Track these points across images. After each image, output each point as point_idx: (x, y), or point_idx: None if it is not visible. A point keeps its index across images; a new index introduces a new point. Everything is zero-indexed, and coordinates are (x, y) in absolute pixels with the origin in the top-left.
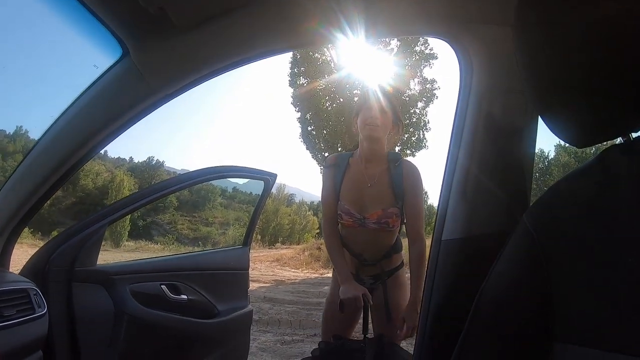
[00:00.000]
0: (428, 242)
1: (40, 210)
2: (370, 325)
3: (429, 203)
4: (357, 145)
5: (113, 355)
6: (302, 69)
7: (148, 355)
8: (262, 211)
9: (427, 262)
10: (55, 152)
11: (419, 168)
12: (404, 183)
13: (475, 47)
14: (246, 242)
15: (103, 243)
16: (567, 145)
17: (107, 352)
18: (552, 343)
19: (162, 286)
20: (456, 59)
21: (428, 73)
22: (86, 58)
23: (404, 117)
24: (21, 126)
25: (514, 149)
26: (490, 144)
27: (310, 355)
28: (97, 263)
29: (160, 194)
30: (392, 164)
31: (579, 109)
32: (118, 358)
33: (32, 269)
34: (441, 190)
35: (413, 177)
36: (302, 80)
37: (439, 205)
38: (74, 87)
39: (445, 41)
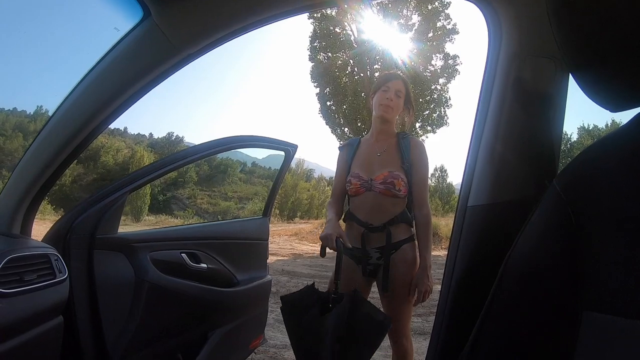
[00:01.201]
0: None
1: (61, 178)
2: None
3: (448, 181)
4: None
5: (133, 321)
6: (323, 43)
7: (168, 322)
8: (282, 182)
9: (432, 227)
10: (75, 117)
11: (440, 145)
12: (411, 153)
13: (505, 10)
14: (266, 213)
15: (123, 218)
16: (590, 128)
17: (128, 318)
18: (581, 311)
19: (182, 254)
20: (485, 22)
21: (450, 48)
22: (107, 21)
23: (425, 93)
24: (41, 106)
25: (542, 114)
26: (519, 109)
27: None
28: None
29: (181, 162)
30: (400, 138)
31: (614, 70)
32: (138, 324)
33: (54, 237)
34: (467, 156)
35: (419, 149)
36: (322, 55)
37: (464, 170)
38: (95, 52)
39: (474, 3)
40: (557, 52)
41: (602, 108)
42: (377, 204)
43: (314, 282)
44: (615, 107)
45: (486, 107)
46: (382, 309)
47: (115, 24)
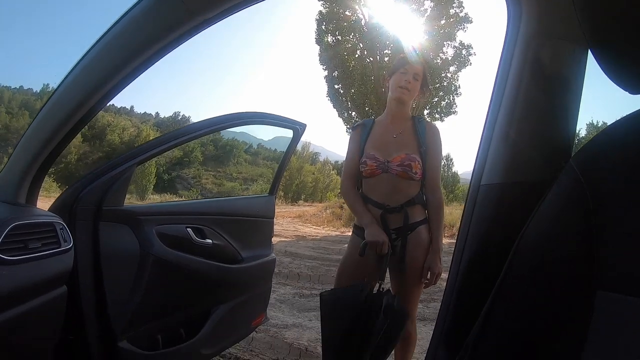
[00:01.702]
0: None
1: (67, 155)
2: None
3: (453, 170)
4: (384, 105)
5: (137, 294)
6: (330, 26)
7: (171, 296)
8: (289, 161)
9: (443, 211)
10: (85, 84)
11: (448, 134)
12: (427, 137)
13: None
14: (272, 191)
15: (128, 196)
16: (599, 125)
17: (131, 291)
18: (595, 290)
19: (187, 229)
20: (505, 1)
21: (462, 37)
22: None
23: (434, 81)
24: (48, 84)
25: (560, 96)
26: (536, 90)
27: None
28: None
29: (188, 137)
30: (416, 121)
31: (636, 47)
32: (142, 298)
33: (60, 207)
34: (482, 133)
35: (435, 133)
36: (330, 38)
37: (479, 149)
38: (108, 17)
39: None
40: (578, 34)
41: (612, 103)
42: (393, 185)
43: (365, 280)
44: (635, 88)
45: (503, 86)
46: (390, 289)
47: None
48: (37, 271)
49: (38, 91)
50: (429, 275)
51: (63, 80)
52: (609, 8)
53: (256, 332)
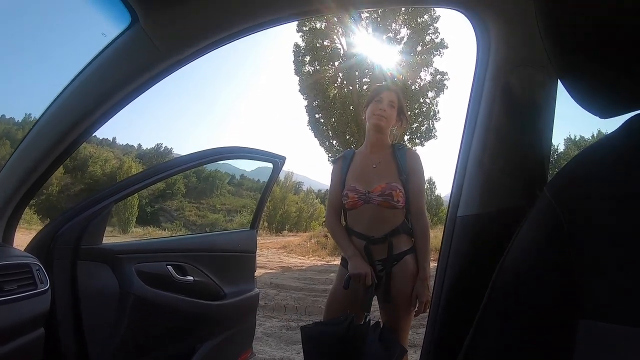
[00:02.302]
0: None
1: (48, 187)
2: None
3: (436, 193)
4: (364, 132)
5: (117, 335)
6: (307, 57)
7: (153, 335)
8: (270, 194)
9: (430, 238)
10: (61, 122)
11: (429, 158)
12: (407, 164)
13: (494, 20)
14: (254, 225)
15: (110, 229)
16: (577, 139)
17: (112, 332)
18: (577, 320)
19: (168, 267)
20: (473, 32)
21: (438, 62)
22: (94, 27)
23: (413, 106)
24: (30, 114)
25: (531, 123)
26: (508, 118)
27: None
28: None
29: (168, 172)
30: (396, 149)
31: (603, 76)
32: (122, 338)
33: (37, 246)
34: (457, 166)
35: (415, 159)
36: (309, 68)
37: (454, 180)
38: (83, 58)
39: (462, 12)
40: (546, 61)
41: (588, 117)
42: (376, 216)
43: (348, 312)
44: (603, 113)
45: (475, 116)
46: (380, 320)
47: (104, 30)
48: (13, 314)
49: (20, 121)
50: (417, 303)
51: (40, 118)
52: (573, 38)
53: None
